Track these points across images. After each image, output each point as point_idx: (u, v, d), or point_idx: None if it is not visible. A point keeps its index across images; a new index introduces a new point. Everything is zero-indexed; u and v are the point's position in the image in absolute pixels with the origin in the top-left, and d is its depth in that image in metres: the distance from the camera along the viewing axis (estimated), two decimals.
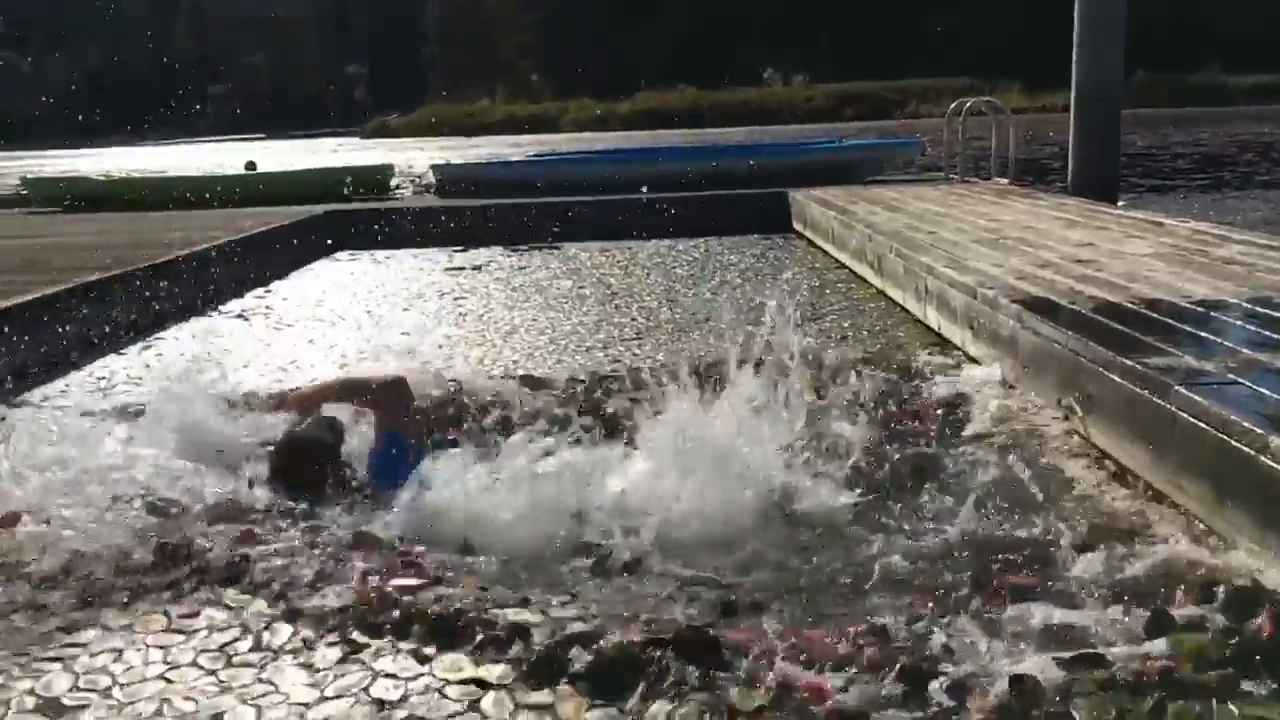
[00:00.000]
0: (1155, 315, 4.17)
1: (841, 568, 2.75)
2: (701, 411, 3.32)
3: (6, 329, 5.30)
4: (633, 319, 6.29)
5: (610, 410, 4.08)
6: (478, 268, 8.72)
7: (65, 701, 2.22)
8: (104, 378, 5.31)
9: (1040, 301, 4.52)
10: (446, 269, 8.78)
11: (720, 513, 3.00)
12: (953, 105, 12.30)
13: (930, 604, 2.48)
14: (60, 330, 5.72)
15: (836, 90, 55.21)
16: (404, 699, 2.17)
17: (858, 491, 3.23)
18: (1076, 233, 6.77)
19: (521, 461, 3.19)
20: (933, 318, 5.63)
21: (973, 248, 6.27)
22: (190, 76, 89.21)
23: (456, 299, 7.25)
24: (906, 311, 6.08)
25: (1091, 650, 2.20)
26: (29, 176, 15.57)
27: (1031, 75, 42.44)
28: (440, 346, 5.65)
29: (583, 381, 4.66)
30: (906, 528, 2.99)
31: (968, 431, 3.84)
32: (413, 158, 24.58)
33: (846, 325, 5.91)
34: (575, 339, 5.77)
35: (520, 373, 4.90)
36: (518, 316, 6.49)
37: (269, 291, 7.98)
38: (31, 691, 2.26)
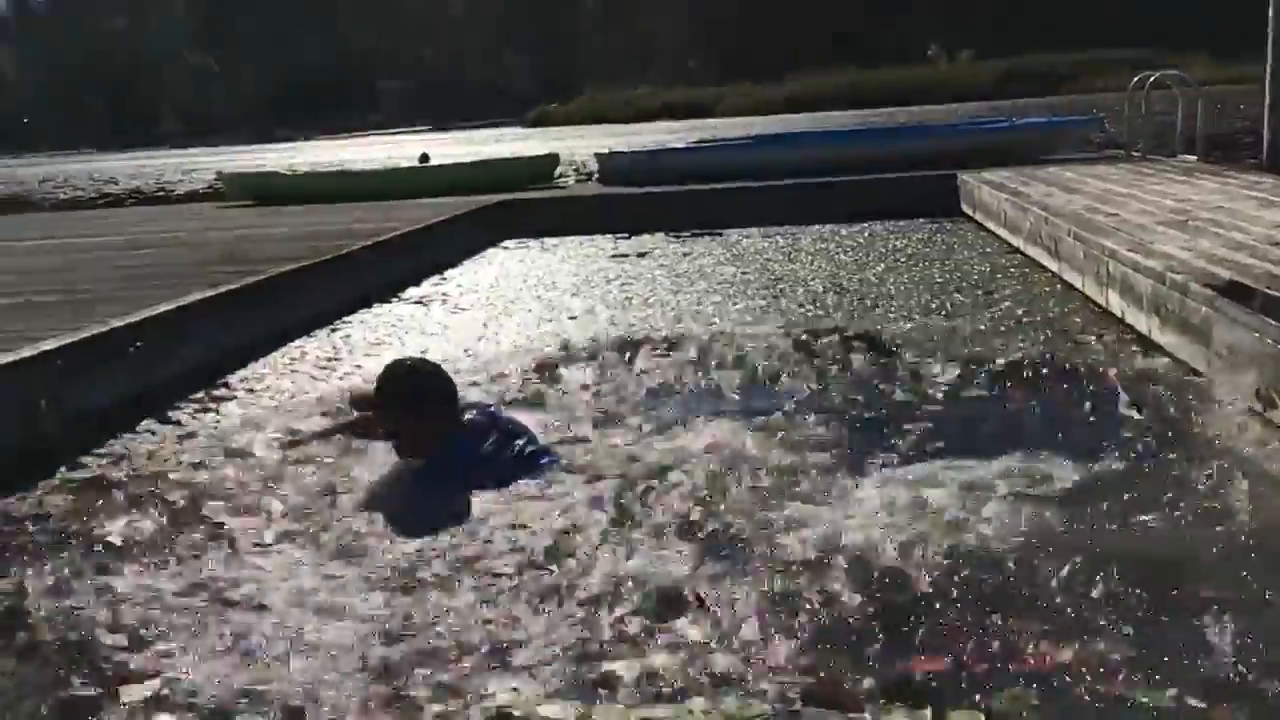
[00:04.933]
0: None
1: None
2: None
3: (212, 316, 5.71)
4: (799, 304, 6.27)
5: None
6: (642, 254, 8.84)
7: None
8: (294, 358, 5.64)
9: (1235, 287, 4.29)
10: (612, 255, 8.93)
11: None
12: (1135, 79, 11.71)
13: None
14: (256, 317, 6.11)
15: (1005, 66, 53.22)
16: None
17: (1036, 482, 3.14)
18: (1273, 213, 6.38)
19: None
20: (1115, 304, 5.41)
21: (1158, 230, 5.99)
22: (364, 73, 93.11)
23: (623, 285, 7.37)
24: (1086, 297, 5.87)
25: None
26: (225, 172, 16.58)
27: (1220, 43, 39.90)
28: (611, 332, 5.77)
29: None
30: (1095, 527, 2.89)
31: (1156, 424, 3.69)
32: (573, 146, 25.00)
33: (1020, 311, 5.74)
34: (743, 326, 5.80)
35: None
36: (683, 301, 6.56)
37: (444, 279, 8.29)
38: None
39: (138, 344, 5.03)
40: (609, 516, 3.06)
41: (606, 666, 2.30)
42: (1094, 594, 2.48)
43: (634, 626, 2.45)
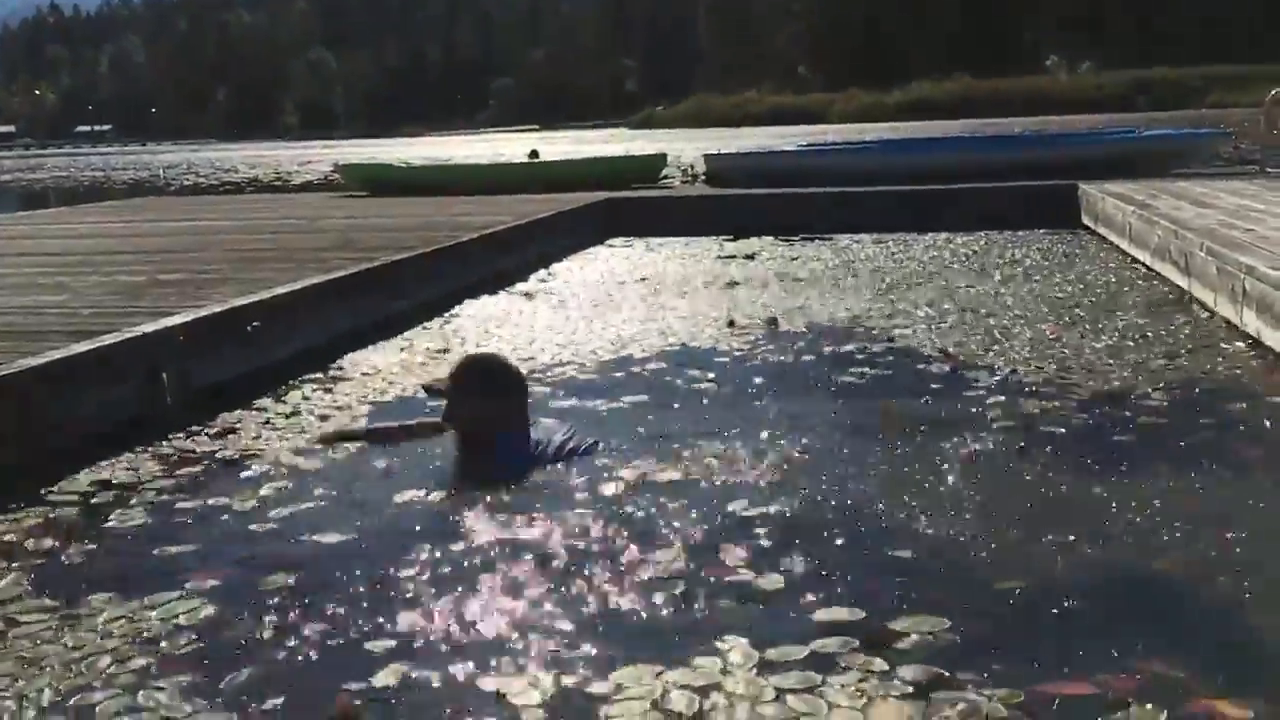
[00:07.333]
0: None
1: None
2: None
3: (326, 300, 5.82)
4: (909, 310, 6.11)
5: None
6: (750, 256, 8.74)
7: None
8: (404, 348, 5.69)
9: None
10: (719, 257, 8.85)
11: None
12: (1273, 92, 11.20)
13: None
14: (369, 302, 6.21)
15: (1128, 77, 51.55)
16: None
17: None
18: None
19: None
20: (1251, 322, 5.14)
21: None
22: (475, 72, 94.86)
23: (729, 285, 7.28)
24: (1218, 315, 5.59)
25: None
26: (342, 163, 16.98)
27: None
28: (717, 331, 5.70)
29: None
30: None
31: None
32: (680, 148, 24.97)
33: (1143, 324, 5.51)
34: (850, 328, 5.69)
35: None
36: (793, 305, 6.45)
37: (550, 274, 8.31)
38: None
39: (255, 324, 5.14)
40: (660, 513, 3.06)
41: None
42: None
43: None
